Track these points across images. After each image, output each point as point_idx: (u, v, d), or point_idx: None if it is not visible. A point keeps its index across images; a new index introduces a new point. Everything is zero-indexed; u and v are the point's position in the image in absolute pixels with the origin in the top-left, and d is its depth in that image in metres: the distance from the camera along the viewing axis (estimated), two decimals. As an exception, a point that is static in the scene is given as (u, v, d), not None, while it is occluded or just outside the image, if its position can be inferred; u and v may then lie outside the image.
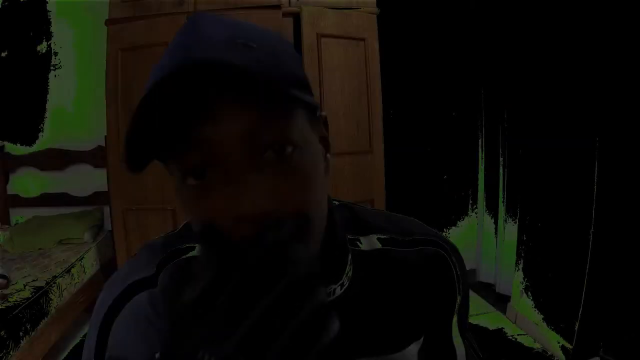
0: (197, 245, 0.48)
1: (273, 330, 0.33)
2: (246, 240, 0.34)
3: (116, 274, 0.49)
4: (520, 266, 2.43)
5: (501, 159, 2.73)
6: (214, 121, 0.35)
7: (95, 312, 0.47)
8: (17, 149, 2.89)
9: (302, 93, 0.37)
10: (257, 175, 0.36)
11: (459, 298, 0.55)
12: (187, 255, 0.48)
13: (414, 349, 0.52)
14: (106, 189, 2.36)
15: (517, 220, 2.50)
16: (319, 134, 0.43)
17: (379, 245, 0.52)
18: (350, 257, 0.49)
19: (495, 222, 2.84)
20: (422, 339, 0.53)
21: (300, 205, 0.38)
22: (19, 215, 2.88)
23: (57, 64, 2.82)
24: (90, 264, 2.45)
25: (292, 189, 0.37)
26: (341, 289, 0.48)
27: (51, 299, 1.97)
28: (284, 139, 0.37)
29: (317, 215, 0.40)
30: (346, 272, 0.48)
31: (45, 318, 1.90)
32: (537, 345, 2.24)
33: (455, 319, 0.56)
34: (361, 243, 0.52)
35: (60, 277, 2.11)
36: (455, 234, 3.03)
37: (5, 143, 2.89)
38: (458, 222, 3.09)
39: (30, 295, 1.86)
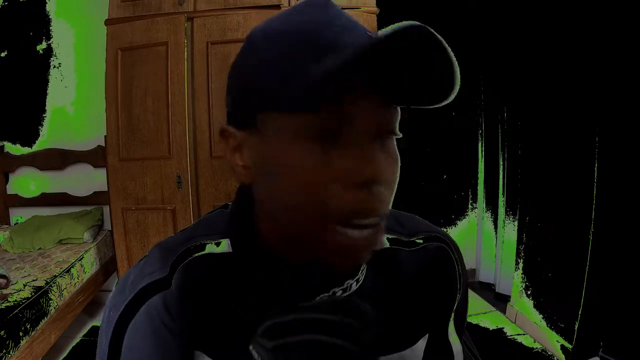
0: (219, 241, 0.47)
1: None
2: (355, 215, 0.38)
3: (126, 277, 0.47)
4: (520, 266, 2.43)
5: (501, 159, 2.73)
6: (370, 94, 0.38)
7: (106, 318, 0.46)
8: (17, 149, 2.89)
9: None
10: (381, 151, 0.39)
11: (458, 295, 0.56)
12: (203, 252, 0.47)
13: (421, 345, 0.52)
14: (106, 189, 2.36)
15: (516, 220, 2.50)
16: None
17: (387, 244, 0.53)
18: None
19: (495, 222, 2.84)
20: (427, 335, 0.53)
21: (394, 191, 0.42)
22: (18, 215, 2.88)
23: (57, 64, 2.82)
24: (90, 264, 2.44)
25: (394, 172, 0.42)
26: (357, 284, 0.48)
27: (51, 299, 1.97)
28: (393, 129, 0.41)
29: None
30: (362, 268, 0.49)
31: (45, 318, 1.90)
32: (537, 345, 2.24)
33: (452, 316, 0.56)
34: None
35: (60, 277, 2.11)
36: (455, 234, 3.03)
37: (5, 143, 2.89)
38: (458, 222, 3.10)
39: (30, 295, 1.86)
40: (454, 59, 0.35)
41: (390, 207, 0.42)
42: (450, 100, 0.39)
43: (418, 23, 0.33)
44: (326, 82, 0.34)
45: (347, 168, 0.37)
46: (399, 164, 0.42)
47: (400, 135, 0.42)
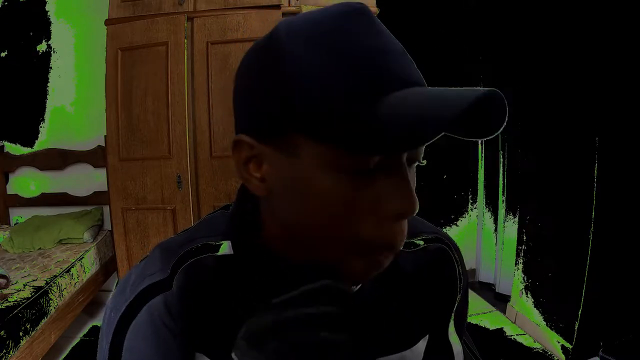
0: (220, 243, 0.47)
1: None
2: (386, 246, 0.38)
3: (127, 278, 0.47)
4: (520, 266, 2.43)
5: (501, 159, 2.73)
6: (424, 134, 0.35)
7: (106, 319, 0.45)
8: (17, 149, 2.89)
9: None
10: (410, 179, 0.38)
11: (458, 295, 0.56)
12: (206, 254, 0.46)
13: (422, 345, 0.52)
14: (106, 189, 2.36)
15: (517, 219, 2.50)
16: None
17: None
18: None
19: (495, 222, 2.84)
20: (427, 335, 0.53)
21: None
22: (18, 215, 2.88)
23: (57, 64, 2.82)
24: (90, 264, 2.44)
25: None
26: (357, 286, 0.48)
27: (51, 299, 1.97)
28: (420, 158, 0.41)
29: None
30: None
31: (45, 318, 1.90)
32: (537, 345, 2.24)
33: (452, 316, 0.56)
34: None
35: (60, 277, 2.11)
36: (455, 234, 3.03)
37: (5, 143, 2.89)
38: (458, 222, 3.10)
39: (30, 295, 1.86)
40: (507, 110, 0.35)
41: None
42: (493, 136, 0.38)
43: (495, 91, 0.33)
44: (404, 129, 0.33)
45: (382, 200, 0.37)
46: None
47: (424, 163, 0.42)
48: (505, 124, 0.36)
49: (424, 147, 0.40)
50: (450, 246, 0.56)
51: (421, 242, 0.55)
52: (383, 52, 0.36)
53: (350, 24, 0.37)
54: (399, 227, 0.38)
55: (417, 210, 0.38)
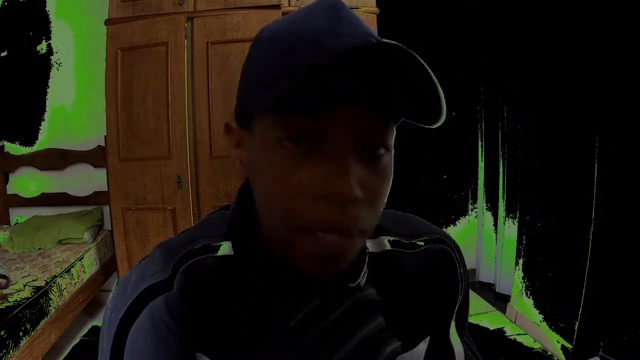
0: (220, 243, 0.47)
1: (336, 342, 0.40)
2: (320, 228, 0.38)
3: (127, 278, 0.47)
4: (520, 266, 2.43)
5: (501, 159, 2.73)
6: (348, 104, 0.37)
7: (107, 319, 0.45)
8: (17, 149, 2.89)
9: None
10: (355, 162, 0.38)
11: (460, 296, 0.56)
12: (206, 255, 0.46)
13: (422, 347, 0.52)
14: (106, 189, 2.36)
15: (517, 219, 2.50)
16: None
17: (387, 247, 0.53)
18: (367, 258, 0.50)
19: (495, 222, 2.84)
20: (428, 337, 0.53)
21: (378, 207, 0.41)
22: (18, 215, 2.88)
23: (57, 64, 2.82)
24: (90, 264, 2.44)
25: (377, 186, 0.40)
26: (354, 282, 0.48)
27: (51, 299, 1.97)
28: (381, 142, 0.39)
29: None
30: (363, 272, 0.48)
31: (45, 318, 1.90)
32: (537, 345, 2.24)
33: (454, 317, 0.56)
34: (368, 246, 0.52)
35: (60, 277, 2.11)
36: (455, 234, 3.03)
37: (5, 143, 2.89)
38: (458, 222, 3.10)
39: (30, 295, 1.86)
40: (437, 82, 0.35)
41: (372, 225, 0.41)
42: (440, 123, 0.37)
43: (403, 47, 0.33)
44: (307, 82, 0.34)
45: (317, 179, 0.37)
46: (388, 180, 0.41)
47: (391, 150, 0.41)
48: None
49: (381, 130, 0.39)
50: (452, 247, 0.56)
51: (422, 243, 0.55)
52: (326, 28, 0.37)
53: (311, 13, 0.39)
54: (336, 208, 0.37)
55: (353, 196, 0.37)
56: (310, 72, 0.33)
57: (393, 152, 0.43)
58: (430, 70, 0.34)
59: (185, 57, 2.10)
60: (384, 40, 0.34)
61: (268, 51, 0.40)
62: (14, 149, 2.89)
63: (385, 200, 0.42)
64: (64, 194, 2.85)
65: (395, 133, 0.43)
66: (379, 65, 0.35)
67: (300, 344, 0.44)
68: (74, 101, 2.84)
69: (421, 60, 0.34)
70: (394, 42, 0.34)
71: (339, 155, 0.37)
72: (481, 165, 2.98)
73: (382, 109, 0.38)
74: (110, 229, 2.54)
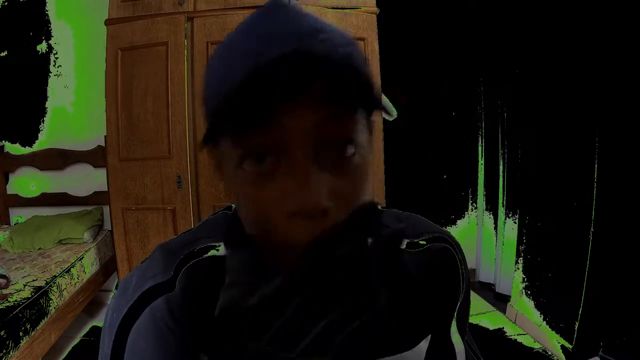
0: (220, 244, 0.47)
1: (333, 335, 0.40)
2: (299, 241, 0.37)
3: (128, 279, 0.47)
4: (520, 266, 2.43)
5: (501, 158, 2.73)
6: (289, 109, 0.35)
7: (108, 320, 0.45)
8: (17, 149, 2.89)
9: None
10: (318, 170, 0.36)
11: (461, 295, 0.56)
12: (207, 255, 0.46)
13: (423, 346, 0.52)
14: (106, 189, 2.36)
15: (517, 219, 2.50)
16: (370, 135, 0.44)
17: (390, 246, 0.53)
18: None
19: (495, 222, 2.84)
20: (429, 336, 0.53)
21: (357, 201, 0.39)
22: (18, 215, 2.88)
23: (57, 64, 2.82)
24: (90, 264, 2.44)
25: (349, 189, 0.38)
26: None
27: (51, 299, 1.97)
28: (347, 139, 0.37)
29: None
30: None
31: (45, 318, 1.90)
32: (537, 345, 2.24)
33: (455, 315, 0.56)
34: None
35: (60, 277, 2.11)
36: (455, 234, 3.02)
37: (5, 143, 2.89)
38: (458, 222, 3.10)
39: (30, 295, 1.86)
40: (366, 72, 0.35)
41: (358, 204, 0.40)
42: (381, 108, 0.37)
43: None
44: (239, 100, 0.33)
45: (284, 198, 0.36)
46: (362, 181, 0.39)
47: (364, 146, 0.39)
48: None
49: (342, 125, 0.37)
50: (454, 246, 0.56)
51: (424, 242, 0.54)
52: (270, 39, 0.36)
53: (259, 19, 0.39)
54: (309, 221, 0.36)
55: (321, 209, 0.35)
56: (240, 90, 0.33)
57: (370, 148, 0.41)
58: (358, 63, 0.35)
59: (185, 57, 2.10)
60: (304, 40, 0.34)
61: (217, 68, 0.39)
62: (14, 149, 2.89)
63: (368, 190, 0.41)
64: (64, 194, 2.85)
65: (370, 127, 0.42)
66: (305, 64, 0.33)
67: (299, 343, 0.44)
68: (74, 101, 2.84)
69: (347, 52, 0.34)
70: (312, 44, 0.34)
71: (300, 169, 0.36)
72: (481, 165, 2.98)
73: (332, 102, 0.36)
74: (110, 229, 2.54)
